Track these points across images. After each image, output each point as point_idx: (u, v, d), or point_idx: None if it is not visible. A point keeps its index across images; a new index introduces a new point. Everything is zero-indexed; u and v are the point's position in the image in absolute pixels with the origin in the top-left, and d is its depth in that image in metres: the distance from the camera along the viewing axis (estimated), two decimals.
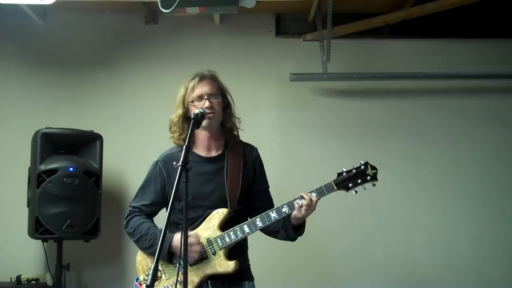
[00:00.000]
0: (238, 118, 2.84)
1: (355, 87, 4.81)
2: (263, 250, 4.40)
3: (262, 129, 4.68)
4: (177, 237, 2.59)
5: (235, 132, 2.83)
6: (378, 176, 2.73)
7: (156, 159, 2.82)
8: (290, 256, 4.55)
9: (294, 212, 2.64)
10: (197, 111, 2.56)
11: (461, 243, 4.67)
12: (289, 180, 4.40)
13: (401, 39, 4.87)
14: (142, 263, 2.75)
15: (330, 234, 4.57)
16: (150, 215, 2.81)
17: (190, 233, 2.60)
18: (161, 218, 2.80)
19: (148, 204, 2.79)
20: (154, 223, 2.77)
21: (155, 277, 2.07)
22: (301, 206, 2.61)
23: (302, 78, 4.69)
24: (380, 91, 4.83)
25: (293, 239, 2.75)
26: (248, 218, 2.74)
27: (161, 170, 2.76)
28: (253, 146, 2.88)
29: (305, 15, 4.79)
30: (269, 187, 2.88)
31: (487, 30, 4.82)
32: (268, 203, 2.82)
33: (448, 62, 4.78)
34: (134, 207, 2.80)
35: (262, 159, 2.89)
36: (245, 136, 2.90)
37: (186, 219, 2.28)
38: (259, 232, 2.82)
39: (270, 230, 2.78)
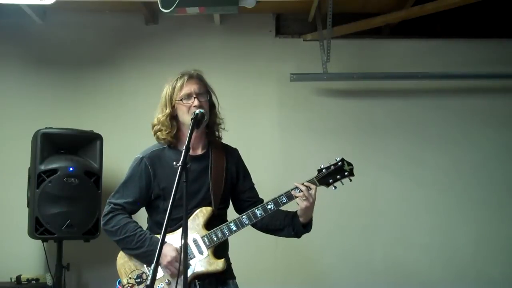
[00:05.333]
0: (222, 119, 2.84)
1: (355, 87, 4.81)
2: (262, 251, 4.44)
3: (262, 129, 4.67)
4: (166, 249, 2.58)
5: (217, 133, 2.84)
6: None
7: (140, 155, 2.76)
8: (289, 256, 4.55)
9: (298, 207, 2.67)
10: (197, 111, 2.57)
11: (461, 243, 4.66)
12: (289, 180, 4.36)
13: (401, 39, 4.87)
14: (125, 266, 2.71)
15: (329, 234, 4.56)
16: (131, 213, 2.75)
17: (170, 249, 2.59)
18: (138, 216, 2.81)
19: (131, 201, 2.71)
20: (138, 224, 2.72)
21: (154, 277, 2.07)
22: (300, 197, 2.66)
23: (302, 78, 4.68)
24: (380, 91, 4.83)
25: (300, 236, 2.77)
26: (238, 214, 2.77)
27: (147, 167, 2.71)
28: (234, 148, 2.91)
29: (305, 15, 4.79)
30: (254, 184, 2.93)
31: (487, 30, 4.82)
32: (258, 199, 2.87)
33: (448, 62, 4.78)
34: (116, 204, 2.71)
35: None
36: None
37: (186, 219, 2.28)
38: (258, 233, 2.83)
39: (273, 228, 2.79)
